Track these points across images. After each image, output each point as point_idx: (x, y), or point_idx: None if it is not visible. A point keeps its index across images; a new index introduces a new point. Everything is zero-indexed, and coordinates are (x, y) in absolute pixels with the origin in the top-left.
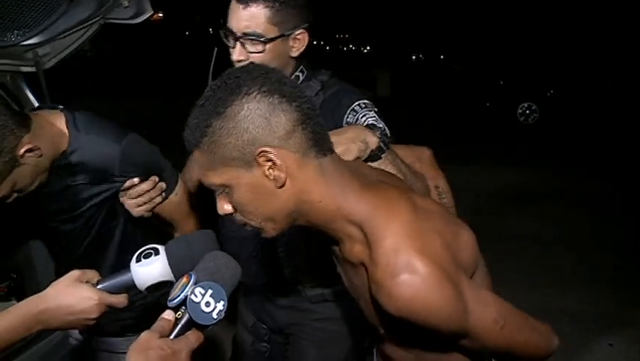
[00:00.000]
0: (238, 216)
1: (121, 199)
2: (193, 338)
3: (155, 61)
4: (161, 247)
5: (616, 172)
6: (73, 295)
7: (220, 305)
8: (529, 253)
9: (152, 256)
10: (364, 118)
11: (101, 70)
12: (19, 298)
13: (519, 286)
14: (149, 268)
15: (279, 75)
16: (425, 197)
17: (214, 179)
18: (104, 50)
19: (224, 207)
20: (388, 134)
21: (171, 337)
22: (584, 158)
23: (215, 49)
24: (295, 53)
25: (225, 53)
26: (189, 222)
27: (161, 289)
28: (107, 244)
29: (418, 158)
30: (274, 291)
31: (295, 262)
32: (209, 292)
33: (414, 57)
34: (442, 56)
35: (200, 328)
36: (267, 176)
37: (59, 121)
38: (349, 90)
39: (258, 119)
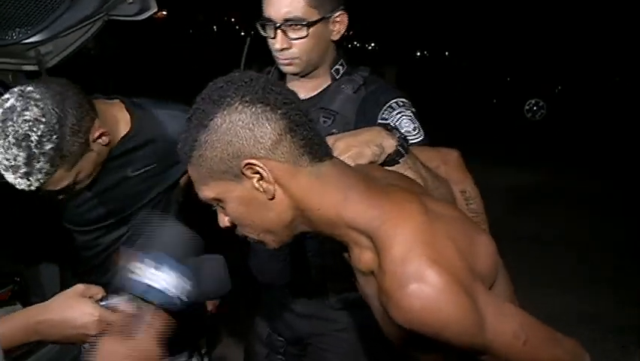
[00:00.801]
0: (238, 230)
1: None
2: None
3: (159, 59)
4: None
5: (618, 172)
6: (75, 309)
7: (164, 274)
8: (528, 253)
9: None
10: (399, 115)
11: (105, 68)
12: (24, 303)
13: (519, 286)
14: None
15: (264, 82)
16: (440, 201)
17: (206, 193)
18: (108, 47)
19: (224, 221)
20: (422, 136)
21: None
22: (589, 157)
23: (248, 39)
24: (336, 37)
25: (261, 45)
26: None
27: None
28: None
29: (444, 161)
30: (296, 293)
31: (324, 262)
32: (150, 263)
33: (418, 53)
34: (447, 52)
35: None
36: (256, 188)
37: (117, 108)
38: (388, 88)
39: (241, 130)
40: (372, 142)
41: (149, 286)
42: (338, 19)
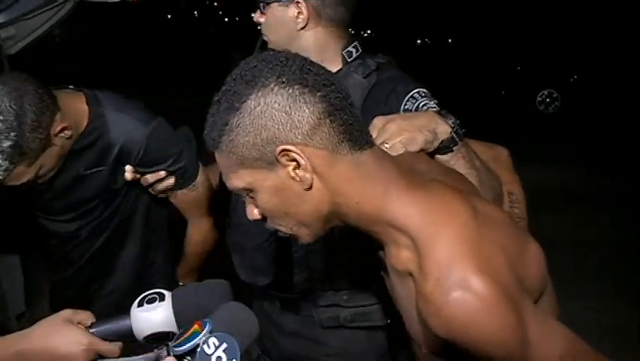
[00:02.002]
0: (268, 223)
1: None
2: None
3: (132, 45)
4: (167, 293)
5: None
6: (61, 337)
7: None
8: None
9: (157, 301)
10: (425, 107)
11: (71, 57)
12: None
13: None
14: (151, 315)
15: (301, 62)
16: (489, 202)
17: (236, 182)
18: (75, 32)
19: (254, 213)
20: None
21: None
22: (610, 153)
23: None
24: (300, 25)
25: None
26: (204, 222)
27: (160, 342)
28: (124, 241)
29: (494, 158)
30: (284, 305)
31: (311, 265)
32: (224, 346)
33: (419, 41)
34: (449, 40)
35: None
36: (292, 177)
37: (80, 100)
38: (405, 77)
39: (277, 114)
40: (425, 127)
41: None
42: (300, 6)
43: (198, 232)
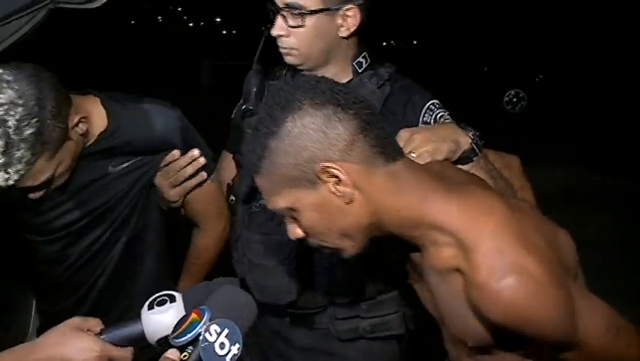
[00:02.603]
0: (311, 240)
1: (155, 180)
2: None
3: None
4: (177, 294)
5: (613, 166)
6: (73, 345)
7: (235, 349)
8: None
9: (167, 303)
10: (442, 119)
11: (22, 60)
12: None
13: None
14: (163, 317)
15: (330, 83)
16: (517, 199)
17: (279, 203)
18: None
19: (296, 232)
20: None
21: None
22: (578, 151)
23: (266, 31)
24: (344, 33)
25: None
26: (220, 223)
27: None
28: (141, 248)
29: (507, 165)
30: (296, 320)
31: (335, 278)
32: (225, 331)
33: (384, 43)
34: (415, 42)
35: None
36: (333, 193)
37: (91, 102)
38: (418, 88)
39: (314, 134)
40: (448, 138)
41: (216, 354)
42: (349, 13)
43: (214, 236)
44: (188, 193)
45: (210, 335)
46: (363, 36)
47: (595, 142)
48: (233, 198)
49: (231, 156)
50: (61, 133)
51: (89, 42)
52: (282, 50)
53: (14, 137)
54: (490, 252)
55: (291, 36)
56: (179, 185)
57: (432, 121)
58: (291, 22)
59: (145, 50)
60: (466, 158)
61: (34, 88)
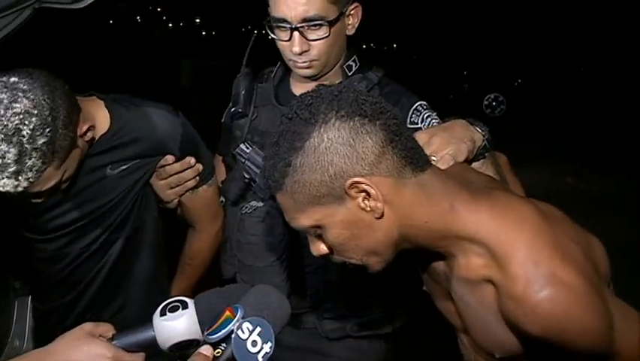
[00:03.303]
0: (336, 256)
1: (151, 180)
2: None
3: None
4: (189, 300)
5: (588, 167)
6: (84, 351)
7: (267, 347)
8: None
9: (180, 309)
10: (429, 119)
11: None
12: None
13: None
14: (175, 324)
15: (355, 93)
16: (544, 202)
17: (304, 221)
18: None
19: (320, 248)
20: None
21: None
22: (555, 153)
23: (254, 34)
24: (352, 31)
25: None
26: (215, 225)
27: (185, 351)
28: (138, 247)
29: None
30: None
31: (326, 278)
32: (258, 329)
33: (364, 46)
34: (395, 45)
35: None
36: (362, 208)
37: (96, 104)
38: (406, 91)
39: (341, 148)
40: (465, 137)
41: (248, 351)
42: (352, 12)
43: (209, 238)
44: (183, 195)
45: (243, 332)
46: (351, 40)
47: (571, 144)
48: (223, 200)
49: (221, 158)
50: (70, 142)
51: (66, 43)
52: (300, 65)
53: (27, 146)
54: (525, 263)
55: (312, 49)
56: (175, 187)
57: (419, 121)
58: (312, 36)
59: (124, 50)
60: (479, 155)
61: (48, 98)
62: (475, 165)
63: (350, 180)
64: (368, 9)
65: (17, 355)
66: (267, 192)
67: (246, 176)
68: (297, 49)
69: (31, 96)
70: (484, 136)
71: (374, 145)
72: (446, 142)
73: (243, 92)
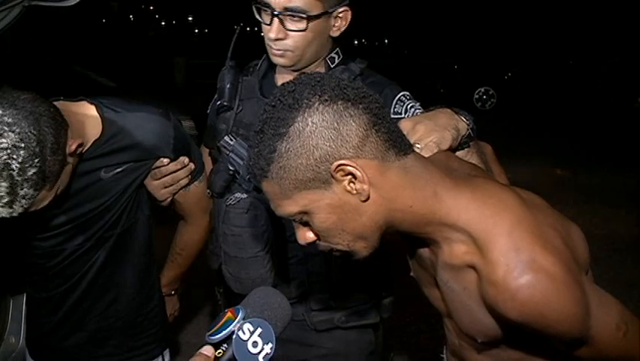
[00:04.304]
0: (322, 243)
1: (145, 181)
2: None
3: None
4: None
5: (578, 160)
6: None
7: (268, 348)
8: None
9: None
10: (412, 109)
11: None
12: None
13: None
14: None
15: (335, 78)
16: (525, 190)
17: (290, 208)
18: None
19: (307, 236)
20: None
21: None
22: (545, 147)
23: (238, 27)
24: (336, 33)
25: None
26: (205, 218)
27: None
28: (131, 244)
29: (481, 151)
30: None
31: (309, 269)
32: (259, 331)
33: (356, 42)
34: (386, 40)
35: None
36: (348, 191)
37: (86, 109)
38: (389, 81)
39: (326, 131)
40: (449, 125)
41: (249, 352)
42: (341, 14)
43: (199, 231)
44: (176, 193)
45: (244, 333)
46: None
47: (560, 137)
48: (209, 192)
49: (208, 151)
50: (60, 164)
51: (59, 42)
52: (275, 52)
53: (18, 178)
54: (506, 249)
55: (288, 39)
56: (170, 187)
57: (403, 112)
58: (291, 26)
59: (117, 49)
60: (464, 143)
61: (34, 128)
62: (459, 153)
63: (336, 163)
64: (360, 4)
65: (13, 352)
66: (250, 183)
67: (231, 168)
68: (272, 35)
69: (17, 129)
70: (468, 125)
71: (358, 128)
72: (430, 130)
73: (228, 86)
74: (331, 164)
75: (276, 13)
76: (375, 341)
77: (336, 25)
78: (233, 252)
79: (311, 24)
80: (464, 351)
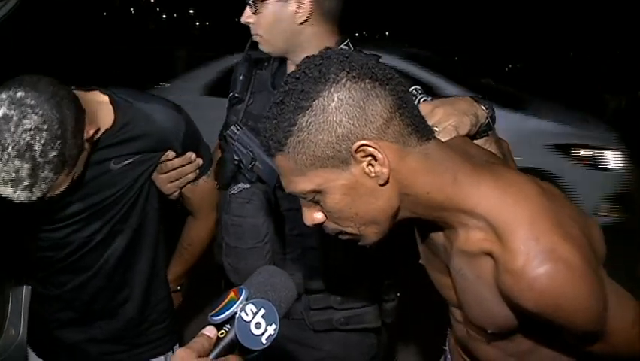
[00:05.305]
0: (331, 225)
1: (153, 175)
2: None
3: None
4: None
5: None
6: None
7: (271, 329)
8: None
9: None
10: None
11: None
12: None
13: None
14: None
15: (364, 56)
16: (545, 181)
17: (303, 185)
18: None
19: (314, 217)
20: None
21: (211, 356)
22: None
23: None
24: (299, 20)
25: None
26: (214, 213)
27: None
28: (141, 239)
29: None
30: None
31: (307, 264)
32: (262, 311)
33: (357, 34)
34: (387, 33)
35: (245, 352)
36: (366, 173)
37: (98, 97)
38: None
39: (351, 109)
40: (469, 111)
41: (252, 333)
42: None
43: (206, 226)
44: (183, 187)
45: (246, 314)
46: (343, 26)
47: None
48: (217, 183)
49: (218, 142)
50: (79, 148)
51: (60, 35)
52: (253, 37)
53: (40, 160)
54: (526, 238)
55: (256, 24)
56: (176, 181)
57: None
58: (251, 10)
59: (118, 41)
60: (483, 132)
61: (56, 111)
62: (477, 141)
63: (358, 143)
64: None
65: (12, 343)
66: (253, 174)
67: (235, 158)
68: (242, 18)
69: (40, 111)
70: (487, 113)
71: (383, 109)
72: (449, 113)
73: (241, 78)
74: (352, 143)
75: None
76: (377, 346)
77: (299, 11)
78: (233, 242)
79: (265, 7)
80: (472, 342)
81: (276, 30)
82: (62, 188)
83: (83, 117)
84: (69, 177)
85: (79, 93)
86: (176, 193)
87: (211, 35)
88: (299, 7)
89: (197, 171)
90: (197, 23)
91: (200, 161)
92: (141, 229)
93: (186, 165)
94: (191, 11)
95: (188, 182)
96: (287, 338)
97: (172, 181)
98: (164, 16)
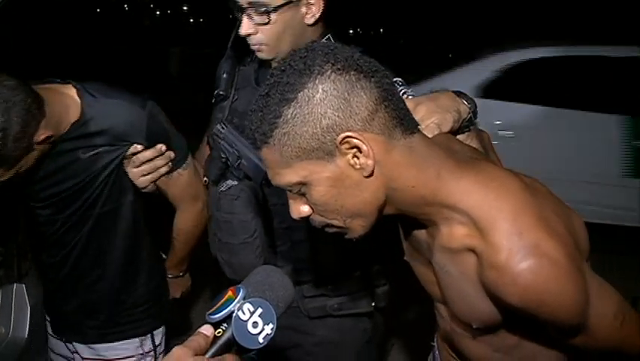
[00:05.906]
0: (317, 218)
1: (125, 168)
2: None
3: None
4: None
5: None
6: None
7: (268, 329)
8: None
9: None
10: (405, 95)
11: None
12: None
13: None
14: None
15: (350, 50)
16: (528, 176)
17: (289, 177)
18: None
19: (301, 210)
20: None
21: (207, 355)
22: None
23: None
24: (310, 20)
25: None
26: (195, 205)
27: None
28: (114, 226)
29: (480, 138)
30: None
31: (297, 256)
32: (259, 311)
33: (351, 31)
34: (381, 29)
35: (241, 351)
36: (351, 165)
37: (70, 91)
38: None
39: (336, 101)
40: (451, 108)
41: (249, 332)
42: (312, 0)
43: (190, 217)
44: (156, 180)
45: (244, 313)
46: (329, 21)
47: None
48: (206, 180)
49: (206, 140)
50: (22, 151)
51: (54, 32)
52: (252, 47)
53: None
54: (509, 233)
55: (259, 33)
56: (148, 175)
57: None
58: (258, 20)
59: (112, 39)
60: (465, 127)
61: (1, 115)
62: (459, 137)
63: (343, 134)
64: None
65: (3, 341)
66: (240, 171)
67: (222, 156)
68: (242, 31)
69: None
70: (469, 108)
71: (368, 101)
72: (432, 111)
73: (225, 75)
74: (337, 135)
75: (243, 9)
76: (371, 330)
77: (309, 12)
78: (225, 238)
79: (277, 16)
80: (457, 337)
81: (285, 36)
82: (3, 178)
83: (35, 123)
84: (10, 171)
85: (55, 87)
86: (151, 187)
87: (205, 32)
88: (309, 8)
89: (170, 164)
90: (192, 20)
91: (171, 154)
92: (113, 218)
93: (157, 157)
94: (185, 8)
95: (161, 175)
96: (282, 326)
97: (145, 175)
98: (157, 12)
